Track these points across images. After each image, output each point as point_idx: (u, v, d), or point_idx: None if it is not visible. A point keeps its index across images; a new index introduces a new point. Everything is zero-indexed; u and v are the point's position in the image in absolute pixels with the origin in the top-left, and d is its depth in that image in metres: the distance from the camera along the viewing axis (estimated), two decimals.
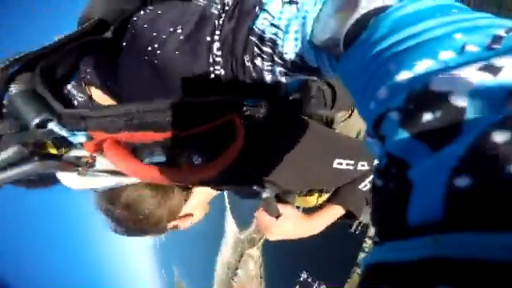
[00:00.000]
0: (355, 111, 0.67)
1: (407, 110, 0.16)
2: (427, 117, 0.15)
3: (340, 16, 0.28)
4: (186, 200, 0.61)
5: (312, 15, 0.33)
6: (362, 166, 0.63)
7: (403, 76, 0.18)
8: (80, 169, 0.39)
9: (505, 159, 0.10)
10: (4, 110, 0.34)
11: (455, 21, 0.19)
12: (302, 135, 0.55)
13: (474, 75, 0.15)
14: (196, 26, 0.39)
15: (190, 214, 0.64)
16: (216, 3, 0.40)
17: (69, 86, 0.48)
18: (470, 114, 0.14)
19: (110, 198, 0.55)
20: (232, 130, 0.40)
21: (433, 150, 0.14)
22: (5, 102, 0.34)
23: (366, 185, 0.69)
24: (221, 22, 0.38)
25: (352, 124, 0.68)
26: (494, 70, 0.14)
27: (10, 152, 0.32)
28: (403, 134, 0.16)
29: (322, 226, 0.74)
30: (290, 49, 0.35)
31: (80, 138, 0.34)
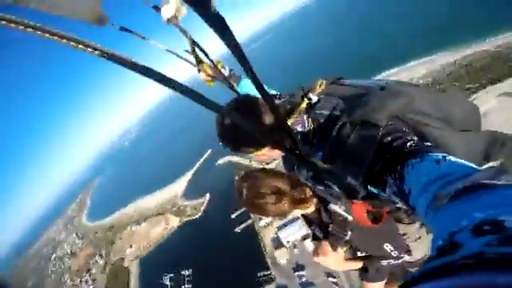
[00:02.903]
0: (422, 229, 1.16)
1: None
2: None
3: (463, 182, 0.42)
4: (292, 210, 1.03)
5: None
6: (397, 255, 1.12)
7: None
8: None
9: None
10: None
11: None
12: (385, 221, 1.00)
13: None
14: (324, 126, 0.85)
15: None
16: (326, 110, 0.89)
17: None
18: None
19: (239, 192, 1.00)
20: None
21: None
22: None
23: (384, 262, 1.18)
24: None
25: (413, 231, 1.15)
26: None
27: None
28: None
29: (347, 268, 1.27)
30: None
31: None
